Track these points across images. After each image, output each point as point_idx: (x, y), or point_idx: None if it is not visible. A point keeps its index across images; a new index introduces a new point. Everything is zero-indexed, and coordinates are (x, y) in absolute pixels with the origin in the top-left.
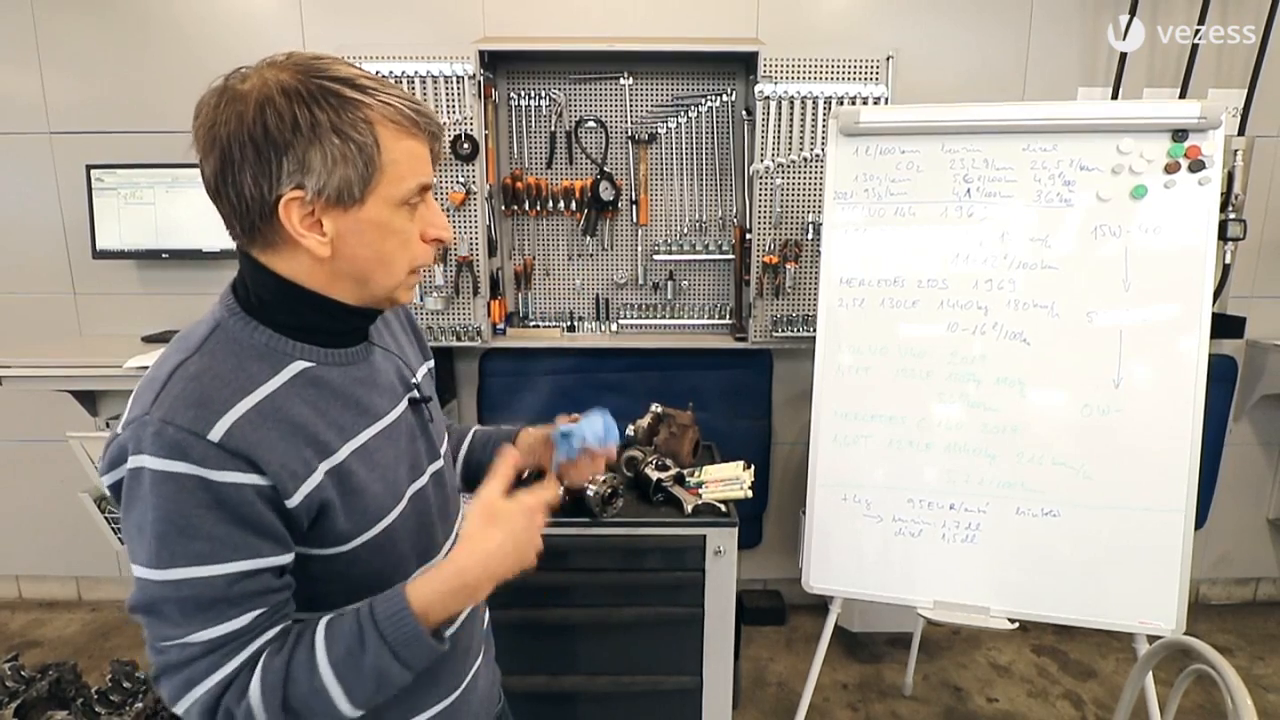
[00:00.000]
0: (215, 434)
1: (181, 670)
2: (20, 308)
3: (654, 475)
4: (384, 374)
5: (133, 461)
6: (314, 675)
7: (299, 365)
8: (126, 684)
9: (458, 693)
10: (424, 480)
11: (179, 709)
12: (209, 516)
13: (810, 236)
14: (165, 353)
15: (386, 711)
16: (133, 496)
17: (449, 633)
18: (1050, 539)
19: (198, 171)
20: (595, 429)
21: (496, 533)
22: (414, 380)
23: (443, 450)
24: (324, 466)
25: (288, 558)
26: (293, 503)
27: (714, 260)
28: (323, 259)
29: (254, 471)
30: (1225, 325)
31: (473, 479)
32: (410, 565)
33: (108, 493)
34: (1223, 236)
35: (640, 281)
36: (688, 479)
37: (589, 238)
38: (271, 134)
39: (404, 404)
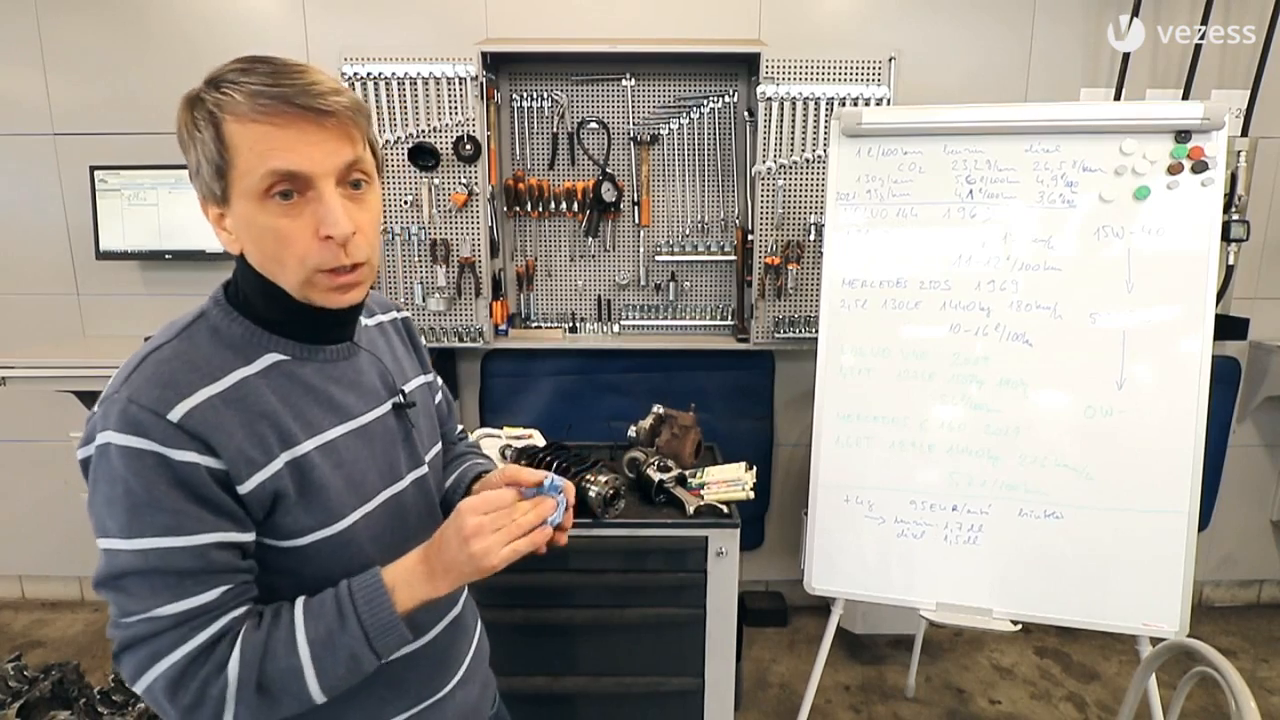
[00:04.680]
0: (175, 415)
1: (146, 644)
2: (23, 308)
3: (656, 476)
4: (366, 376)
5: (100, 438)
6: (292, 653)
7: (273, 357)
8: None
9: (427, 704)
10: (402, 485)
11: (140, 685)
12: (171, 492)
13: (812, 238)
14: (151, 338)
15: (351, 713)
16: (100, 470)
17: (425, 641)
18: (1053, 541)
19: None
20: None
21: (450, 535)
22: (403, 388)
23: (428, 459)
24: (285, 456)
25: (248, 537)
26: (244, 489)
27: (716, 261)
28: (240, 255)
29: (208, 454)
30: (1228, 327)
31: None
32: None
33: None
34: (1226, 238)
35: (642, 282)
36: (689, 480)
37: (591, 239)
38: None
39: (386, 408)
